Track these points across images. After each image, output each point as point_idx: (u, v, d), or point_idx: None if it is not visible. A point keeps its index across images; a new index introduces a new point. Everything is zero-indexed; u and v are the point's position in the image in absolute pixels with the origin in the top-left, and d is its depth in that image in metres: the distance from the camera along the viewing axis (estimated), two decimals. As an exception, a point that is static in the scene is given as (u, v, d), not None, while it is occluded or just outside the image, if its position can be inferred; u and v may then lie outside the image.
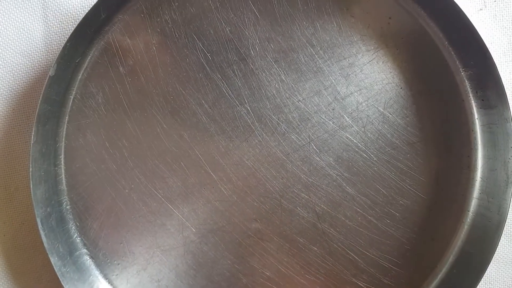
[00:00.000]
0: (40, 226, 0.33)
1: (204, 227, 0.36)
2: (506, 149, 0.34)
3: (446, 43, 0.35)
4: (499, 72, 0.33)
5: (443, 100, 0.36)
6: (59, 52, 0.32)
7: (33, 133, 0.32)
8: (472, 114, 0.35)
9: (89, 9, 0.32)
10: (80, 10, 0.36)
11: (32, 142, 0.32)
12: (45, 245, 0.33)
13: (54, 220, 0.35)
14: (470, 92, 0.35)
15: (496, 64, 0.33)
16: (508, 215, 0.34)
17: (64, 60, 0.32)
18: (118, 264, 0.36)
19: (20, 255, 0.38)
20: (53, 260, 0.34)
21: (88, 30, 0.33)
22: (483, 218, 0.35)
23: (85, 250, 0.36)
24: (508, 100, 0.33)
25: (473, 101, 0.35)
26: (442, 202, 0.36)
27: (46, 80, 0.31)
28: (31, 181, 0.32)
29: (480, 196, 0.36)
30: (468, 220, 0.36)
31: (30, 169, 0.32)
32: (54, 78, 0.32)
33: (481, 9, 0.36)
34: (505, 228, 0.34)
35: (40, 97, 0.31)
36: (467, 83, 0.35)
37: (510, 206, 0.34)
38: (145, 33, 0.35)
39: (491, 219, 0.35)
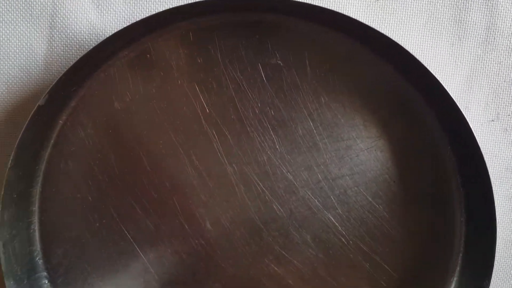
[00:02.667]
0: (1, 249, 0.32)
1: (166, 276, 0.36)
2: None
3: (449, 147, 0.34)
4: (500, 189, 0.32)
5: (433, 207, 0.35)
6: (58, 74, 0.31)
7: (11, 158, 0.31)
8: (461, 229, 0.34)
9: (95, 37, 0.31)
10: (86, 37, 0.35)
11: (8, 166, 0.31)
12: (3, 268, 0.33)
13: (18, 242, 0.34)
14: (463, 208, 0.34)
15: (498, 180, 0.32)
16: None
17: (57, 89, 0.31)
18: (75, 294, 0.36)
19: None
20: (8, 283, 0.33)
21: (89, 63, 0.32)
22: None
23: (45, 273, 0.35)
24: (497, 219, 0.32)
25: (465, 218, 0.34)
26: (412, 302, 0.35)
27: (35, 109, 0.30)
28: (0, 205, 0.32)
29: (450, 306, 0.35)
30: (433, 328, 0.35)
31: (2, 193, 0.31)
32: (45, 105, 0.31)
33: (493, 120, 0.34)
34: None
35: (26, 123, 0.30)
36: (463, 199, 0.34)
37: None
38: (148, 74, 0.34)
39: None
